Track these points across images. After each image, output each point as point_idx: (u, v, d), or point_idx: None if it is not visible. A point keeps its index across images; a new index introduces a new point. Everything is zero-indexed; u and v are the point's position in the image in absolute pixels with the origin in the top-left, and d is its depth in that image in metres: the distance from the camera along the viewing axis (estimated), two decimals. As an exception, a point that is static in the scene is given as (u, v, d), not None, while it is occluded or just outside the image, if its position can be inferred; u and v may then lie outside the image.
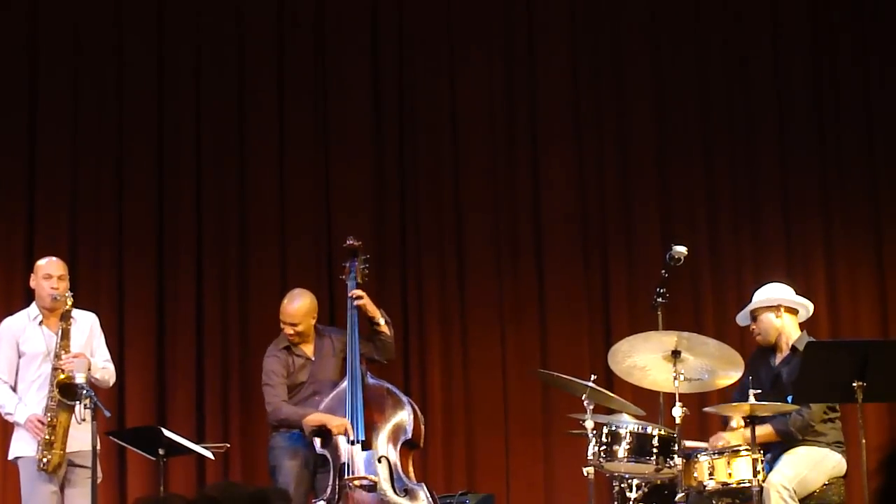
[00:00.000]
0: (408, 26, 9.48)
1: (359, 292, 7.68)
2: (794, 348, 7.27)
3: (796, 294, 7.45)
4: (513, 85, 9.47)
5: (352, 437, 7.37)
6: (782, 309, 7.34)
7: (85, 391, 6.83)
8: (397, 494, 7.35)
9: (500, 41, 9.49)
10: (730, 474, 6.86)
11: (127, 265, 9.11)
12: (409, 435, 7.48)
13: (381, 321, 7.70)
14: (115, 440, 7.88)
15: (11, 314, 7.48)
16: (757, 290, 7.48)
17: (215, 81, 9.34)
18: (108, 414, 7.08)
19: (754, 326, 7.38)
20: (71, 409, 7.04)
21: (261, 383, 7.74)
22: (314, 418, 7.47)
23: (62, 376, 7.00)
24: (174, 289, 9.12)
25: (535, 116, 9.44)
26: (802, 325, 7.44)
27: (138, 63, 9.25)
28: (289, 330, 7.66)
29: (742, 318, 7.50)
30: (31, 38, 9.20)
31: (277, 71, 9.36)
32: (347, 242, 7.87)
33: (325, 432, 7.44)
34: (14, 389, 7.25)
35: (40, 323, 7.30)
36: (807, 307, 7.43)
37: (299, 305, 7.67)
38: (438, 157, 9.41)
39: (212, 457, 7.90)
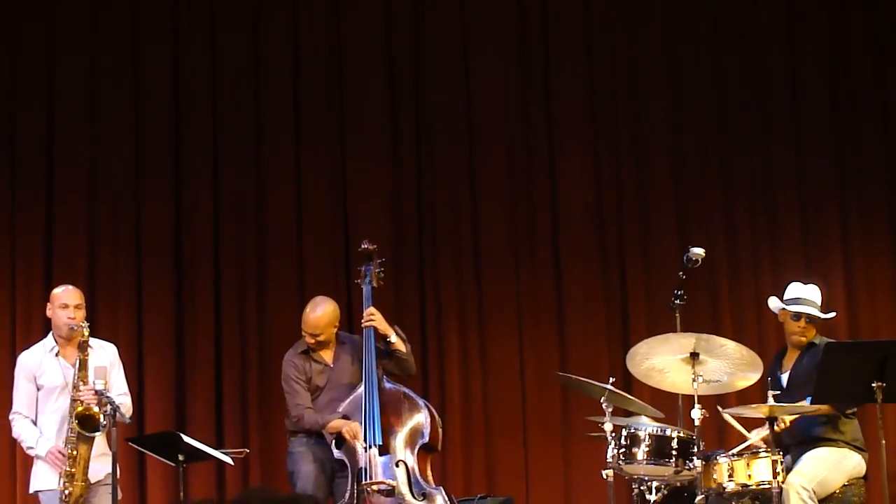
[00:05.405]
0: (423, 25, 9.48)
1: (370, 312, 7.65)
2: (810, 343, 7.27)
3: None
4: (528, 85, 9.46)
5: (362, 444, 7.37)
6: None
7: (104, 396, 6.85)
8: (415, 498, 7.34)
9: (514, 40, 9.48)
10: (749, 476, 6.85)
11: (145, 270, 9.13)
12: (427, 438, 7.48)
13: (394, 338, 7.66)
14: (135, 446, 7.89)
15: (30, 328, 7.46)
16: (803, 285, 7.40)
17: (232, 86, 9.35)
18: (128, 420, 7.08)
19: (803, 325, 7.30)
20: (91, 441, 7.02)
21: (279, 389, 7.76)
22: (333, 425, 7.49)
23: (81, 408, 6.97)
24: (192, 294, 9.14)
25: (552, 116, 9.43)
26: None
27: (154, 72, 9.29)
28: (309, 339, 7.66)
29: (777, 306, 7.36)
30: (49, 52, 9.25)
31: (294, 74, 9.37)
32: (362, 247, 7.87)
33: (343, 437, 7.45)
34: (34, 423, 7.25)
35: (56, 354, 7.28)
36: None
37: (321, 315, 7.65)
38: (455, 158, 9.40)
39: (231, 462, 7.90)
